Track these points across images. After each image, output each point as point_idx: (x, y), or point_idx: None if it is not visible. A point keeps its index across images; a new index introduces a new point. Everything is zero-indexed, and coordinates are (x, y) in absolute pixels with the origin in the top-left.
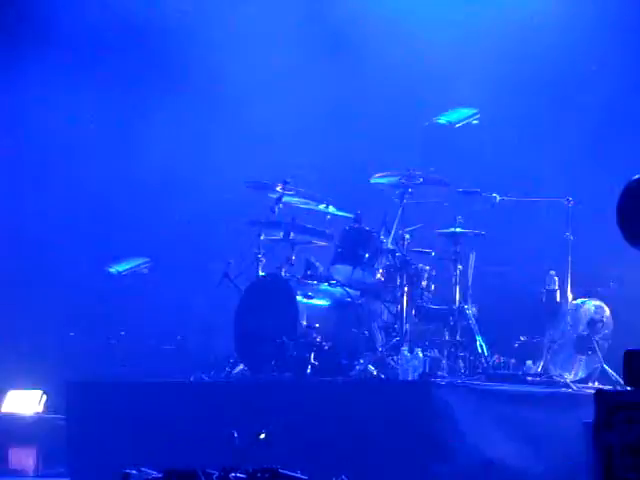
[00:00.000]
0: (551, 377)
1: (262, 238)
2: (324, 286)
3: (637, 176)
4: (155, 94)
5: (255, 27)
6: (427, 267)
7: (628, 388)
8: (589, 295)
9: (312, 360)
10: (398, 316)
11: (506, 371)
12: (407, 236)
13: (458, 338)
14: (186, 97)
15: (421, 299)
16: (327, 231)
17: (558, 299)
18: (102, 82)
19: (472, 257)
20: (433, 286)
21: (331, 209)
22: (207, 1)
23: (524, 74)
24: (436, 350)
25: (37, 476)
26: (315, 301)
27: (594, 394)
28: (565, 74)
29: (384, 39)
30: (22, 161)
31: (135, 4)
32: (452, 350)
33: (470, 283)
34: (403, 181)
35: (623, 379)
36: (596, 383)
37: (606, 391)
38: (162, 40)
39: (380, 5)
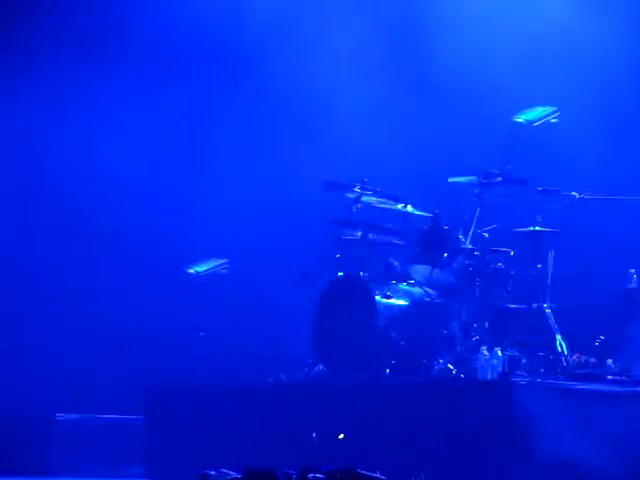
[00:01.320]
0: (632, 376)
1: (341, 238)
2: (403, 286)
3: None
4: (234, 93)
5: (336, 28)
6: (505, 266)
7: None
8: None
9: (391, 360)
10: (477, 315)
11: (586, 370)
12: (485, 235)
13: (537, 337)
14: (267, 98)
15: (500, 298)
16: (405, 231)
17: (638, 298)
18: (180, 85)
19: (551, 256)
20: (512, 285)
21: (409, 209)
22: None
23: (605, 69)
24: (515, 349)
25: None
26: (394, 301)
27: None
28: None
29: (462, 38)
30: (95, 165)
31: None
32: (531, 349)
33: (549, 282)
34: (481, 180)
35: None
36: None
37: None
38: (245, 41)
39: (456, 6)
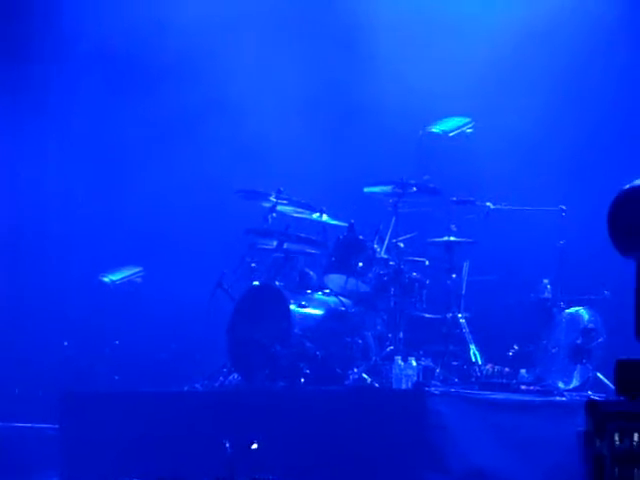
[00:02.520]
0: (545, 386)
1: (256, 247)
2: (318, 295)
3: (628, 186)
4: (151, 101)
5: (254, 37)
6: (420, 276)
7: (620, 398)
8: (583, 303)
9: (305, 369)
10: (392, 325)
11: (500, 380)
12: (401, 245)
13: (452, 347)
14: (185, 106)
15: (415, 308)
16: (320, 240)
17: (551, 308)
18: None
19: (465, 266)
20: (426, 295)
21: (325, 218)
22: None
23: (518, 83)
24: (430, 359)
25: None
26: (309, 310)
27: (585, 404)
28: (559, 83)
29: (377, 49)
30: (17, 170)
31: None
32: (446, 359)
33: (464, 292)
34: (397, 190)
35: (615, 389)
36: (589, 392)
37: (598, 401)
38: (159, 45)
39: (372, 16)
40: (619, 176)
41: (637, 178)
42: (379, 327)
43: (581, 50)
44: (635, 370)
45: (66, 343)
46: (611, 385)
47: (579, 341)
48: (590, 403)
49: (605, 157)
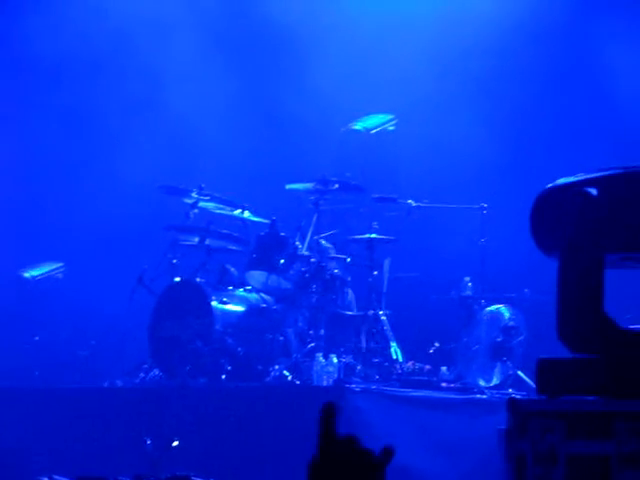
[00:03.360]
0: (465, 383)
1: (178, 243)
2: (239, 292)
3: (549, 185)
4: (70, 96)
5: (177, 38)
6: (342, 273)
7: (541, 396)
8: (504, 301)
9: (227, 366)
10: (313, 322)
11: (421, 377)
12: (322, 242)
13: (373, 344)
14: (102, 101)
15: (336, 305)
16: (242, 237)
17: (472, 306)
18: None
19: (387, 263)
20: (349, 292)
21: (247, 215)
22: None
23: (440, 81)
24: (351, 356)
25: None
26: (230, 307)
27: (507, 402)
28: (480, 82)
29: (299, 44)
30: None
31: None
32: (367, 356)
33: (385, 289)
34: (318, 187)
35: (536, 387)
36: (510, 390)
37: (519, 399)
38: (86, 42)
39: (294, 9)
40: (541, 174)
41: (559, 177)
42: (300, 324)
43: (505, 49)
44: (556, 369)
45: None
46: (532, 383)
47: (500, 339)
48: (511, 401)
49: (527, 155)
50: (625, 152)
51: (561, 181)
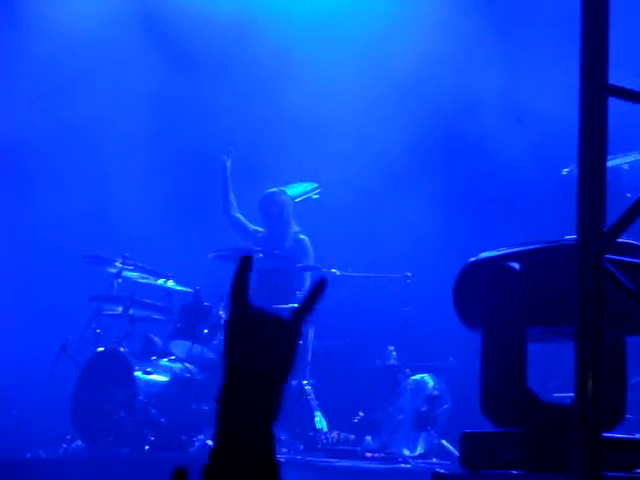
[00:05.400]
0: (390, 453)
1: (101, 313)
2: (163, 361)
3: (472, 259)
4: None
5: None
6: None
7: (465, 470)
8: (428, 370)
9: (150, 436)
10: None
11: (345, 447)
12: None
13: (297, 414)
14: (32, 168)
15: None
16: (166, 306)
17: (397, 374)
18: None
19: (311, 332)
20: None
21: (170, 284)
22: None
23: (362, 149)
24: (276, 426)
25: None
26: (154, 377)
27: (431, 476)
28: (407, 150)
29: (206, 112)
30: None
31: None
32: (291, 426)
33: (309, 358)
34: (241, 255)
35: (460, 461)
36: (434, 459)
37: (442, 473)
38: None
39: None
40: (466, 244)
41: (483, 249)
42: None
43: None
44: (479, 442)
45: None
46: (456, 452)
47: (424, 408)
48: (435, 476)
49: (448, 226)
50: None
51: (483, 255)
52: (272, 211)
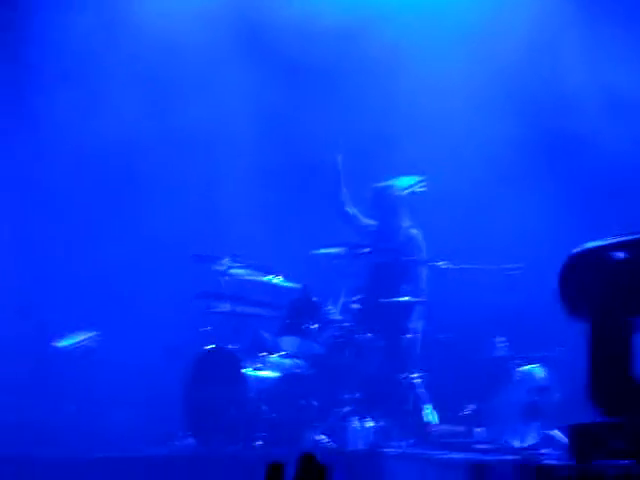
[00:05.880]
0: (500, 444)
1: (210, 311)
2: (273, 358)
3: (576, 250)
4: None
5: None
6: (374, 337)
7: (572, 461)
8: (537, 361)
9: (262, 432)
10: (347, 386)
11: (455, 439)
12: (355, 306)
13: (407, 407)
14: (130, 168)
15: (369, 369)
16: (274, 303)
17: (506, 366)
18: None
19: (420, 325)
20: (381, 355)
21: (278, 280)
22: None
23: (468, 142)
24: (386, 419)
25: None
26: (264, 373)
27: (535, 469)
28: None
29: (327, 107)
30: None
31: None
32: (402, 419)
33: (419, 351)
34: (350, 251)
35: (569, 452)
36: (544, 450)
37: (547, 465)
38: None
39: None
40: (574, 235)
41: (586, 242)
42: (335, 388)
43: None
44: (587, 433)
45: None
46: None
47: (534, 399)
48: (539, 468)
49: (555, 217)
50: None
51: (588, 245)
52: (383, 206)
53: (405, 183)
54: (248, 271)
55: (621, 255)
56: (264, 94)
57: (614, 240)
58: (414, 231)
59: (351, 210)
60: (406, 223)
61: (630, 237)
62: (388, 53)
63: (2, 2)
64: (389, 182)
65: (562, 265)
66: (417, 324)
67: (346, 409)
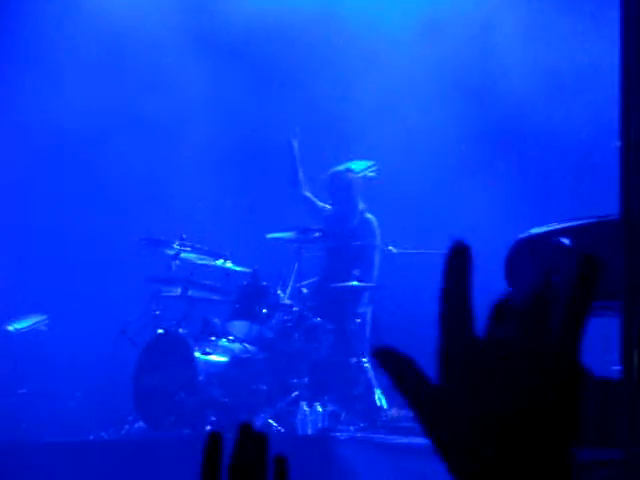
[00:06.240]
0: None
1: (160, 295)
2: (223, 342)
3: (523, 235)
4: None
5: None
6: (323, 321)
7: None
8: None
9: (211, 416)
10: (296, 371)
11: (404, 424)
12: (304, 290)
13: (356, 391)
14: (88, 154)
15: (319, 353)
16: (224, 287)
17: None
18: None
19: (369, 310)
20: (330, 340)
21: (228, 264)
22: None
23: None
24: (335, 404)
25: None
26: (213, 357)
27: None
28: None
29: (278, 82)
30: None
31: None
32: (351, 404)
33: (368, 336)
34: (300, 236)
35: None
36: None
37: None
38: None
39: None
40: (516, 221)
41: (533, 227)
42: (284, 373)
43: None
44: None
45: None
46: None
47: None
48: None
49: (502, 203)
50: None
51: (533, 231)
52: (339, 189)
53: (358, 167)
54: (198, 255)
55: (566, 241)
56: (215, 77)
57: (559, 226)
58: (369, 215)
59: (307, 193)
60: (361, 206)
61: (575, 223)
62: (342, 37)
63: None
64: (345, 165)
65: (508, 250)
66: (367, 308)
67: (295, 393)
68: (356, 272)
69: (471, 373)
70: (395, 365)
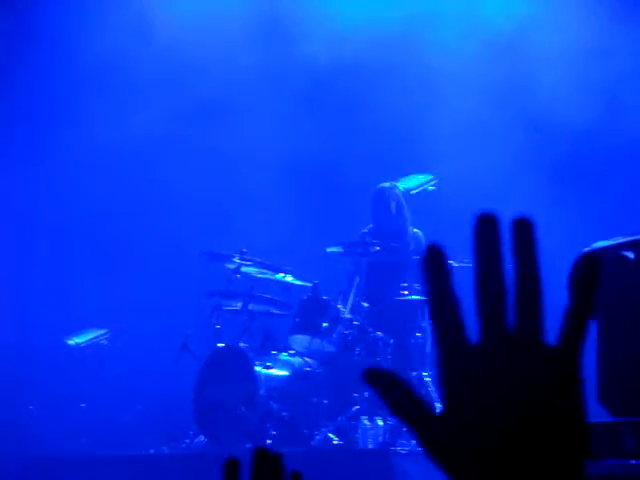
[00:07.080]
0: None
1: (221, 309)
2: (283, 356)
3: (587, 249)
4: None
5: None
6: (384, 335)
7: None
8: None
9: (272, 430)
10: (357, 385)
11: None
12: (365, 304)
13: None
14: (147, 170)
15: (379, 367)
16: (285, 301)
17: None
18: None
19: (429, 324)
20: (391, 354)
21: (289, 279)
22: None
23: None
24: (396, 418)
25: None
26: (274, 371)
27: None
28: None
29: (342, 105)
30: None
31: None
32: None
33: (428, 350)
34: (359, 250)
35: None
36: None
37: None
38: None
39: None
40: (579, 235)
41: (596, 240)
42: (345, 387)
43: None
44: (599, 432)
45: (32, 407)
46: None
47: None
48: None
49: (559, 217)
50: None
51: (598, 244)
52: (388, 205)
53: (415, 182)
54: (259, 269)
55: (631, 255)
56: (280, 93)
57: (624, 239)
58: (416, 230)
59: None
60: (409, 222)
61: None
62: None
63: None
64: (396, 182)
65: (573, 264)
66: (428, 322)
67: (356, 407)
68: (417, 286)
69: (472, 386)
70: (389, 389)
